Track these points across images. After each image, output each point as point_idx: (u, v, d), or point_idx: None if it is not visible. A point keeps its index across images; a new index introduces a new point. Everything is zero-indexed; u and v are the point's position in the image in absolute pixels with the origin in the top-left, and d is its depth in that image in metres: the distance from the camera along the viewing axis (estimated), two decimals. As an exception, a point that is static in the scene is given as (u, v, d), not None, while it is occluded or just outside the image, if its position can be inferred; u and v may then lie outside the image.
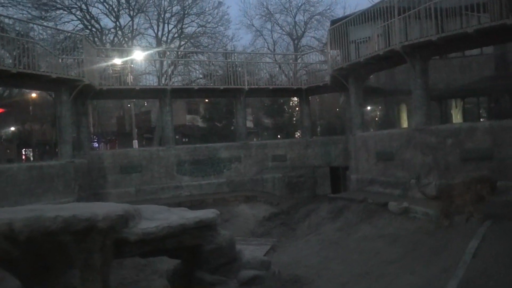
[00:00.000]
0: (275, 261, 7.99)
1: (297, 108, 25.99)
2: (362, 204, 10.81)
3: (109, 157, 13.17)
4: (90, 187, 12.48)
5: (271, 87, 16.49)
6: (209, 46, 27.00)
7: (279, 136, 28.47)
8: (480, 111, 21.32)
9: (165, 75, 20.40)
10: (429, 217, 8.59)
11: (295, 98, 22.53)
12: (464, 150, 9.67)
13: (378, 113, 31.59)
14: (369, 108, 28.74)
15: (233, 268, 6.56)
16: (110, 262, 4.94)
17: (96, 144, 30.37)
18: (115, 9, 25.45)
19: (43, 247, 4.39)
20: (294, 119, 29.20)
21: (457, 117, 17.96)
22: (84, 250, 4.45)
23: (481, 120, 19.07)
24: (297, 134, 28.39)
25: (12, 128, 29.45)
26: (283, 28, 32.05)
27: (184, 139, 31.86)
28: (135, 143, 25.05)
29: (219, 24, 27.76)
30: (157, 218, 5.53)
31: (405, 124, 20.02)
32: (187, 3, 26.39)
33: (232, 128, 22.98)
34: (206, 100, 28.37)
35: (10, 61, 11.47)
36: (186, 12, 26.51)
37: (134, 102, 28.87)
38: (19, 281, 4.82)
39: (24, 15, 21.08)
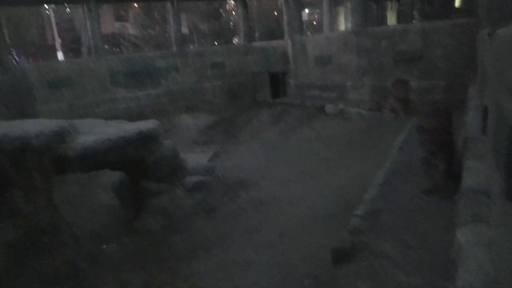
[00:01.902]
0: (219, 167, 8.27)
1: (234, 12, 24.94)
2: (301, 108, 11.17)
3: (34, 71, 12.12)
4: (17, 106, 11.62)
5: (205, -11, 15.53)
6: None
7: (216, 43, 27.56)
8: (414, 13, 21.76)
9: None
10: (362, 117, 9.12)
11: (232, 1, 21.48)
12: (397, 52, 10.03)
13: (316, 17, 31.24)
14: (307, 11, 28.24)
15: (178, 175, 6.72)
16: (51, 180, 4.84)
17: (16, 58, 27.68)
18: None
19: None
20: (232, 24, 28.17)
21: (391, 19, 18.26)
22: (23, 170, 4.29)
23: (414, 21, 19.54)
24: (235, 39, 27.64)
25: None
26: None
27: (114, 49, 29.89)
28: (60, 55, 23.12)
29: None
30: (95, 132, 5.38)
31: (342, 27, 20.09)
32: None
33: (167, 35, 21.81)
34: (136, 5, 26.27)
35: None
36: None
37: (53, 8, 26.03)
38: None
39: None
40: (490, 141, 2.25)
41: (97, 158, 5.14)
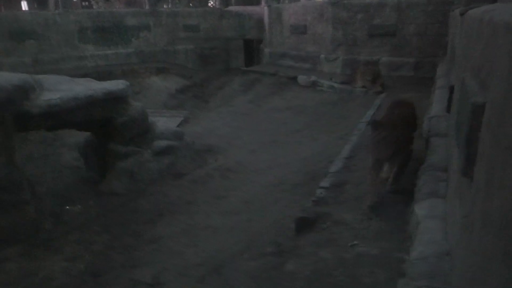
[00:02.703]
0: (188, 132, 8.20)
1: (210, -27, 24.10)
2: (273, 77, 11.12)
3: (-6, 20, 11.43)
4: (-25, 56, 11.02)
5: None
6: None
7: (191, 5, 26.70)
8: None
9: None
10: (334, 90, 9.20)
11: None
12: (372, 26, 10.05)
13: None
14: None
15: (146, 139, 6.62)
16: (12, 137, 4.67)
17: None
18: None
19: None
20: (208, -15, 27.26)
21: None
22: (-19, 125, 4.11)
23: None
24: (211, 2, 26.85)
25: None
26: None
27: (83, 3, 28.44)
28: (24, 5, 21.83)
29: None
30: (60, 89, 5.17)
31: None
32: None
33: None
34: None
35: None
36: None
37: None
38: None
39: None
40: (453, 119, 2.33)
41: (63, 117, 4.98)
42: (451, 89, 3.21)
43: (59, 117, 4.98)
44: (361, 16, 10.21)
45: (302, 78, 10.18)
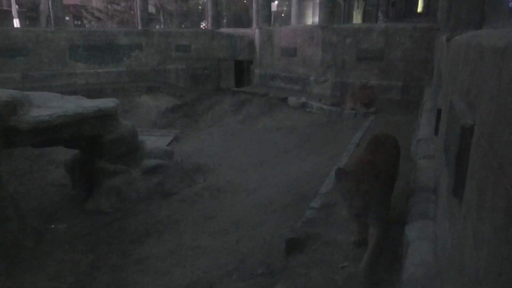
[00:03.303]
0: (178, 151, 8.18)
1: (203, -4, 24.51)
2: (264, 98, 11.21)
3: (-15, 36, 11.40)
4: (-36, 72, 10.93)
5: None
6: None
7: (183, 26, 27.02)
8: (378, 14, 22.28)
9: None
10: (323, 111, 9.29)
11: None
12: (360, 50, 10.26)
13: (285, 9, 31.29)
14: (276, 2, 28.23)
15: (135, 157, 6.59)
16: (-1, 152, 4.61)
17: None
18: None
19: None
20: (200, 7, 27.69)
21: (357, 18, 18.60)
22: (-34, 139, 4.05)
23: (379, 22, 20.01)
24: (202, 24, 27.20)
25: None
26: None
27: (76, 22, 28.59)
28: (16, 22, 21.84)
29: None
30: (50, 105, 5.15)
31: (310, 21, 20.25)
32: None
33: (132, 12, 21.10)
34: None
35: None
36: None
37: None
38: None
39: None
40: (442, 141, 2.37)
41: (51, 134, 4.94)
42: (439, 112, 3.27)
43: (47, 134, 4.94)
44: (350, 40, 10.42)
45: (292, 100, 10.28)
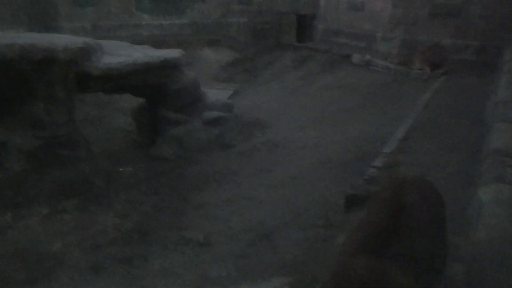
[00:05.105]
0: (237, 105, 8.23)
1: None
2: (326, 55, 10.87)
3: (59, -15, 11.87)
4: (41, 19, 11.50)
5: None
6: None
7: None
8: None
9: None
10: (389, 71, 8.87)
11: None
12: (435, 5, 9.51)
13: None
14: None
15: (197, 108, 6.73)
16: (74, 95, 4.88)
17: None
18: None
19: (2, 77, 4.21)
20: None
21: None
22: (46, 82, 4.32)
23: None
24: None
25: None
26: None
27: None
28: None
29: None
30: (120, 54, 5.33)
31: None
32: None
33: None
34: None
35: None
36: None
37: None
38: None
39: None
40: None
41: (120, 81, 5.14)
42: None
43: (117, 81, 5.14)
44: (425, -6, 9.66)
45: (356, 57, 9.87)
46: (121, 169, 5.96)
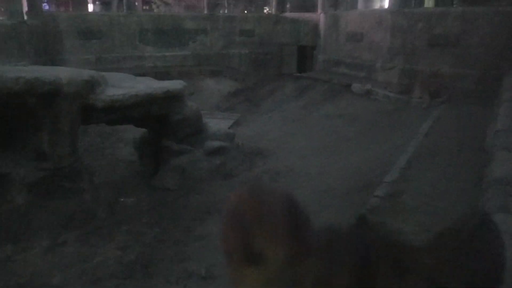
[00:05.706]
0: (239, 134, 8.28)
1: (267, -20, 24.34)
2: (326, 84, 11.01)
3: (65, 20, 12.17)
4: (46, 52, 11.77)
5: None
6: None
7: (245, 11, 27.11)
8: (453, -2, 20.89)
9: None
10: (389, 99, 8.95)
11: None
12: (433, 35, 9.69)
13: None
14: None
15: (199, 138, 6.78)
16: (78, 127, 4.94)
17: (46, 6, 27.73)
18: None
19: (8, 110, 4.27)
20: (264, -8, 27.54)
21: (429, 2, 17.61)
22: (51, 114, 4.38)
23: (454, 5, 18.79)
24: (266, 9, 27.11)
25: None
26: None
27: (144, 7, 29.67)
28: (91, 7, 23.12)
29: None
30: (123, 86, 5.42)
31: (377, 5, 19.46)
32: None
33: (198, -3, 21.47)
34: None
35: None
36: None
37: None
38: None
39: None
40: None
41: (123, 112, 5.21)
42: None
43: (120, 112, 5.21)
44: (422, 25, 9.86)
45: (356, 86, 10.00)
46: (123, 199, 5.95)
